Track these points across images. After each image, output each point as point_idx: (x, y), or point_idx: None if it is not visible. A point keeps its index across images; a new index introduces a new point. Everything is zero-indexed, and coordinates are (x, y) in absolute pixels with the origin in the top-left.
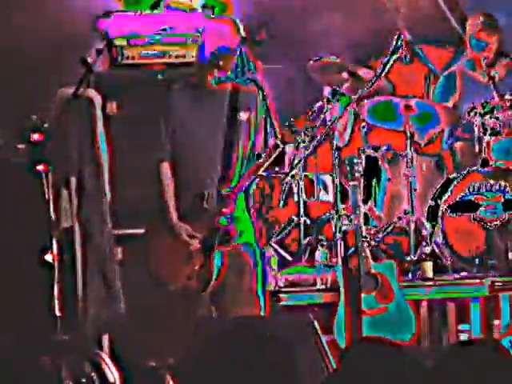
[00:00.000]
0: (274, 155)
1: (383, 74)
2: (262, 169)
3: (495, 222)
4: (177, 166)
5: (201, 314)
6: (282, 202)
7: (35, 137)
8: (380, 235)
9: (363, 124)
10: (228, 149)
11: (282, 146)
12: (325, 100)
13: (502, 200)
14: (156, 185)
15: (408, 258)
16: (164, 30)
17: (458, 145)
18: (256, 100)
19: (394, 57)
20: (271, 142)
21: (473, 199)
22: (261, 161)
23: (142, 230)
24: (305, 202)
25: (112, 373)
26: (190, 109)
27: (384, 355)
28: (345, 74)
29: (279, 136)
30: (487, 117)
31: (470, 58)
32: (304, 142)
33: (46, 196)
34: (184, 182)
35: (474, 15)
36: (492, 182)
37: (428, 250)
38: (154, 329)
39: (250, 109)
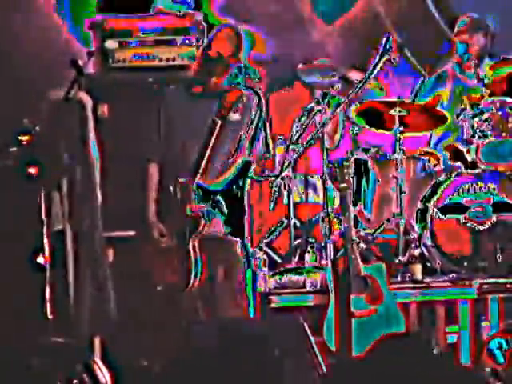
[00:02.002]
0: (216, 132)
1: (372, 76)
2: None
3: (484, 225)
4: (166, 165)
5: (189, 315)
6: (271, 205)
7: (27, 139)
8: (369, 237)
9: (353, 126)
10: (206, 146)
11: (219, 122)
12: (315, 102)
13: (491, 202)
14: (143, 186)
15: (397, 260)
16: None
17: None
18: (248, 104)
19: (384, 59)
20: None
21: (462, 201)
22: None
23: (132, 232)
24: (295, 204)
25: (103, 374)
26: (181, 110)
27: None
28: (335, 77)
29: (270, 143)
30: (476, 119)
31: (456, 60)
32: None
33: (38, 198)
34: (169, 181)
35: (461, 16)
36: (481, 184)
37: (417, 252)
38: (145, 329)
39: (241, 111)
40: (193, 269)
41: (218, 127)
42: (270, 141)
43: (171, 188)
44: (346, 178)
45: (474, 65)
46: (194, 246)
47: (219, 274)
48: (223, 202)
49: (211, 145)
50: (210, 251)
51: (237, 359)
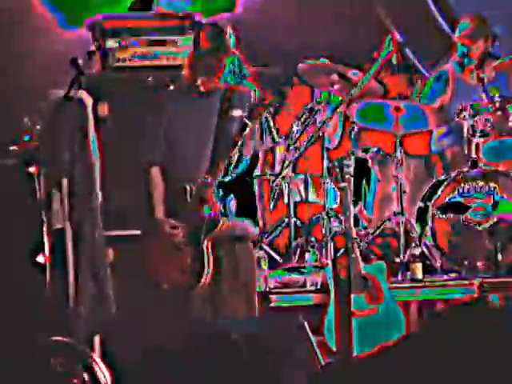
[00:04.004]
0: (244, 134)
1: (373, 76)
2: (232, 151)
3: (484, 224)
4: (168, 166)
5: (195, 314)
6: (272, 204)
7: (26, 138)
8: (370, 236)
9: (353, 126)
10: (217, 144)
11: (250, 124)
12: (315, 102)
13: (491, 202)
14: (146, 186)
15: (397, 260)
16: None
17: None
18: (250, 100)
19: (384, 59)
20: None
21: (462, 201)
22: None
23: (133, 232)
24: (295, 204)
25: (103, 373)
26: (182, 109)
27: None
28: (335, 76)
29: (275, 137)
30: (476, 118)
31: (456, 60)
32: (294, 143)
33: (38, 197)
34: (175, 182)
35: (463, 18)
36: (481, 183)
37: (417, 251)
38: (146, 329)
39: (243, 107)
40: (205, 268)
41: (248, 129)
42: (274, 134)
43: (187, 187)
44: (346, 177)
45: (474, 67)
46: (206, 246)
47: (227, 272)
48: (234, 201)
49: (236, 145)
50: (218, 249)
51: (237, 359)
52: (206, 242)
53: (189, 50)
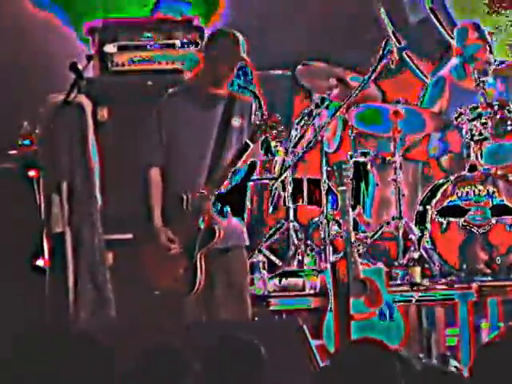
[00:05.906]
0: (245, 154)
1: (371, 80)
2: (232, 169)
3: (483, 228)
4: (167, 170)
5: (190, 318)
6: (271, 207)
7: (26, 143)
8: (369, 240)
9: (351, 130)
10: (216, 153)
11: (251, 145)
12: (313, 106)
13: (490, 205)
14: (144, 189)
15: (396, 263)
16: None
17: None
18: (251, 108)
19: (382, 63)
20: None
21: (461, 204)
22: (229, 161)
23: (129, 235)
24: (294, 207)
25: None
26: (183, 114)
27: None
28: (333, 80)
29: (273, 145)
30: (475, 122)
31: (458, 63)
32: (293, 147)
33: (38, 201)
34: (173, 187)
35: (462, 25)
36: (480, 187)
37: (416, 255)
38: (144, 332)
39: (243, 116)
40: (198, 275)
41: (249, 150)
42: (271, 143)
43: (184, 197)
44: (345, 180)
45: (477, 70)
46: (200, 258)
47: (221, 279)
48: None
49: (236, 163)
50: (211, 256)
51: (235, 362)
52: (199, 255)
53: (195, 55)
